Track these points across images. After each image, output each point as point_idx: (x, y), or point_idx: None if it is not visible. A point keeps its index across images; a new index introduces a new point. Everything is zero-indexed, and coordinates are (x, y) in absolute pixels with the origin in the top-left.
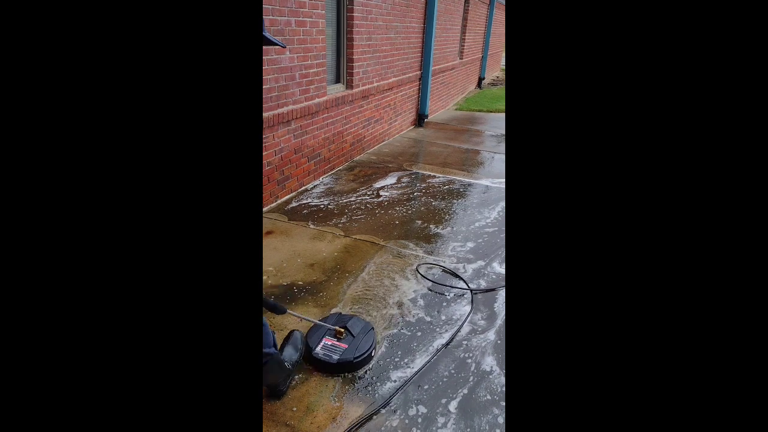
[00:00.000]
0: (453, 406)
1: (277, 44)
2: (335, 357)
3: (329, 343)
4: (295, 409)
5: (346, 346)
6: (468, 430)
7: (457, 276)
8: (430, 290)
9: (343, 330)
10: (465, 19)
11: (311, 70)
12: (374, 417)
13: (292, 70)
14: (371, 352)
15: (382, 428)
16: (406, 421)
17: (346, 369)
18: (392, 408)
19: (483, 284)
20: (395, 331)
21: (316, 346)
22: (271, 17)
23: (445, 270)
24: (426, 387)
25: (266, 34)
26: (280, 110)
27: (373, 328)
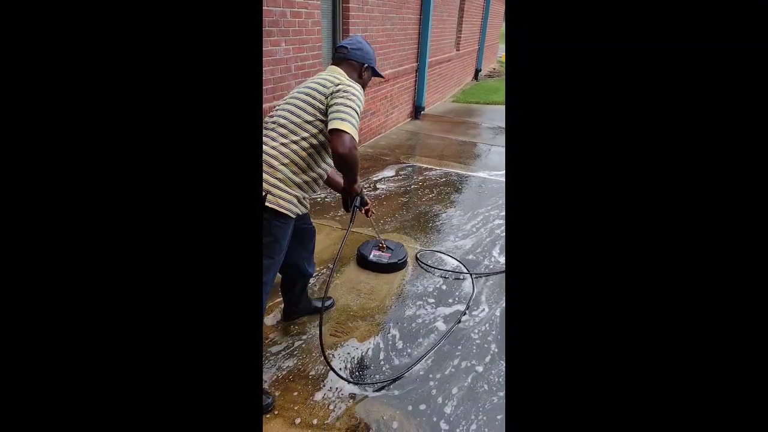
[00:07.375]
0: None
1: (380, 76)
2: (384, 260)
3: (378, 253)
4: None
5: (389, 254)
6: None
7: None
8: (421, 268)
9: (384, 245)
10: (461, 10)
11: (307, 62)
12: None
13: (287, 62)
14: (406, 258)
15: None
16: None
17: (392, 268)
18: None
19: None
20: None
21: (369, 254)
22: (266, 8)
23: (447, 253)
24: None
25: (374, 66)
26: (276, 102)
27: (402, 245)
